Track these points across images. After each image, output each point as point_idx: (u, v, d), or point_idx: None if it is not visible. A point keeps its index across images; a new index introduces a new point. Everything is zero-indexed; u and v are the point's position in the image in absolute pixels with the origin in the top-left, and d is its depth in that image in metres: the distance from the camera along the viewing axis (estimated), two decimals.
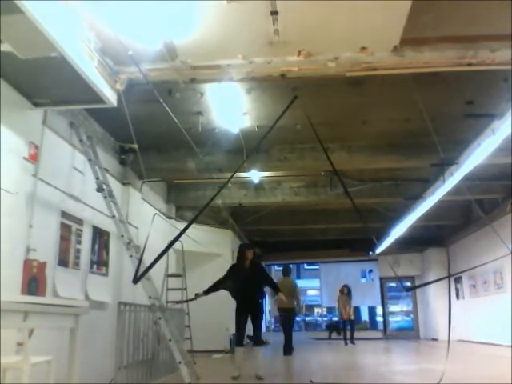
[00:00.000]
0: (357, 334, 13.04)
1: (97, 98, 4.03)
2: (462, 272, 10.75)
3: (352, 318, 12.96)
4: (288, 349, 9.19)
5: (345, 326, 13.00)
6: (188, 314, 7.94)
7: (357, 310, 19.05)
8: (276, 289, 6.58)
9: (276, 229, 12.63)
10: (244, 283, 6.00)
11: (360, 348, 10.57)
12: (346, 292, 13.14)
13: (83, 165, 5.40)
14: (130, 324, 5.27)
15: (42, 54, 3.40)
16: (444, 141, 6.54)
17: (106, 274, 5.94)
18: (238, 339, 6.01)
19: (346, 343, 12.50)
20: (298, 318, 23.67)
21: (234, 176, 4.41)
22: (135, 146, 5.55)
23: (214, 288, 6.16)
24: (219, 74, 4.13)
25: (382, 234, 11.71)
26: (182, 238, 4.00)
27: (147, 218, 7.11)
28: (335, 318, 19.07)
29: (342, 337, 13.05)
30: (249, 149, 6.23)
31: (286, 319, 9.69)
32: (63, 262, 4.89)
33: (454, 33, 3.90)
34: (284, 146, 6.84)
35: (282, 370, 7.34)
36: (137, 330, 5.45)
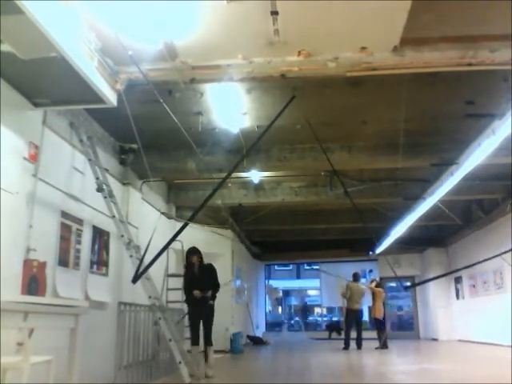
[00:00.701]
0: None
1: (97, 98, 4.02)
2: (460, 269, 10.72)
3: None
4: (359, 343, 10.49)
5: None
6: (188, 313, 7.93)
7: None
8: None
9: (276, 229, 12.63)
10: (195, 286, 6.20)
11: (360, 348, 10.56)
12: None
13: (83, 165, 5.40)
14: (130, 324, 5.27)
15: (42, 54, 3.40)
16: (444, 141, 6.55)
17: (106, 274, 5.94)
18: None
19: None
20: (297, 318, 23.77)
21: (233, 176, 4.41)
22: (136, 145, 5.55)
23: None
24: (219, 73, 4.13)
25: (381, 234, 11.70)
26: (183, 238, 4.00)
27: (147, 218, 7.13)
28: (335, 318, 19.11)
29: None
30: (249, 149, 6.23)
31: (353, 319, 10.80)
32: (63, 262, 4.89)
33: (453, 33, 3.90)
34: (284, 146, 6.84)
35: (282, 369, 7.34)
36: (137, 330, 5.46)
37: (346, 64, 4.01)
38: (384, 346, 10.72)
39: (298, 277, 25.55)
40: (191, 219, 4.08)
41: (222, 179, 4.31)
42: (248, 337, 13.07)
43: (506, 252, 6.52)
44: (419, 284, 14.03)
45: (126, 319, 5.15)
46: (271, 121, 4.19)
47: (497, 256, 6.18)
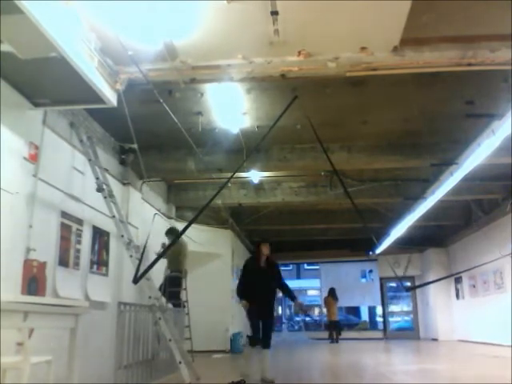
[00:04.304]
0: (357, 334, 13.41)
1: (97, 98, 4.02)
2: (461, 272, 10.73)
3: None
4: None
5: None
6: (188, 314, 7.93)
7: (357, 310, 19.09)
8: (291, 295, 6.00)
9: (276, 229, 12.63)
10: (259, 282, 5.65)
11: (360, 348, 10.56)
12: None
13: (83, 165, 5.40)
14: (130, 324, 5.26)
15: (42, 54, 3.40)
16: (444, 141, 6.55)
17: (106, 274, 5.93)
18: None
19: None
20: (298, 318, 23.75)
21: (234, 176, 4.41)
22: (135, 146, 5.55)
23: (239, 291, 5.82)
24: (219, 73, 4.13)
25: (381, 234, 11.71)
26: (182, 237, 4.00)
27: (147, 218, 7.12)
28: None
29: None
30: (249, 149, 6.23)
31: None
32: (63, 261, 4.89)
33: (454, 33, 3.90)
34: (284, 145, 6.84)
35: (282, 369, 7.34)
36: (137, 330, 5.45)
37: (346, 64, 4.00)
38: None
39: (298, 277, 25.53)
40: (194, 221, 4.07)
41: (226, 179, 4.31)
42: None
43: (508, 254, 6.53)
44: (420, 286, 14.02)
45: (125, 319, 5.14)
46: (272, 121, 4.19)
47: (500, 258, 6.19)
